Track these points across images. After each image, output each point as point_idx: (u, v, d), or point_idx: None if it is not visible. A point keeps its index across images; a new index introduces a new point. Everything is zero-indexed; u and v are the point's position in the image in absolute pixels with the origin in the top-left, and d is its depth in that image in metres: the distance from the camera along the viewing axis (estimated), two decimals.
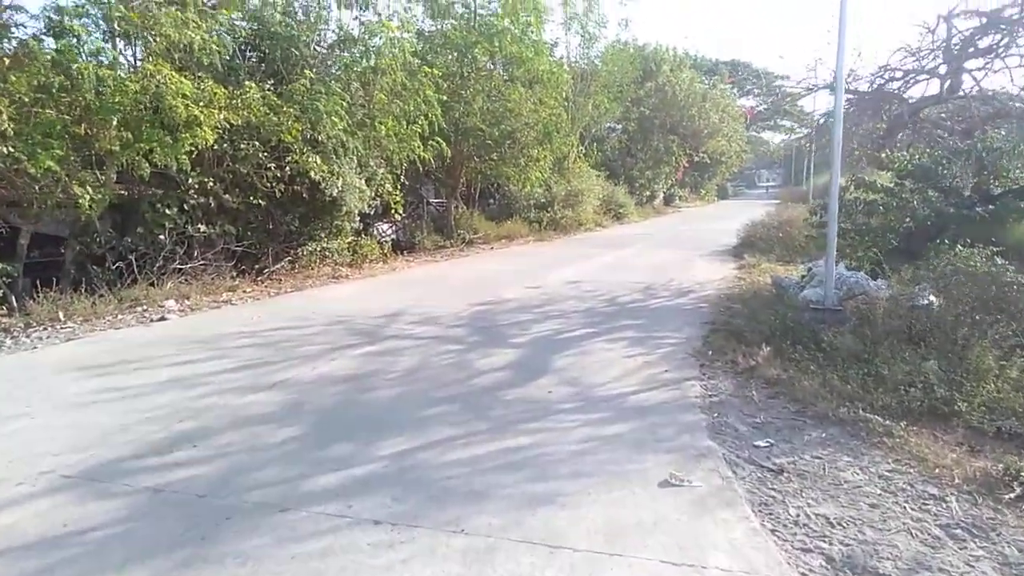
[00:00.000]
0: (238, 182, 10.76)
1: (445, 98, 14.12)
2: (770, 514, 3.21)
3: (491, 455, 3.81)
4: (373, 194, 12.67)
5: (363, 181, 12.10)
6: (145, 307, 8.41)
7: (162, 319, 7.85)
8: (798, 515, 3.20)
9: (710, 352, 6.09)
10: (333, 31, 13.22)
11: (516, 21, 16.79)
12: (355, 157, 11.92)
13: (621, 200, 26.08)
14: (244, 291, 9.76)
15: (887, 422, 4.18)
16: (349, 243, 12.72)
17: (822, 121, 15.38)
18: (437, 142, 13.80)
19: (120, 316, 7.98)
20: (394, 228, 17.81)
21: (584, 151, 23.84)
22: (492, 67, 17.07)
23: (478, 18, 16.68)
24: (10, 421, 4.36)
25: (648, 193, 32.74)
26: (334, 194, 11.37)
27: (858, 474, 3.65)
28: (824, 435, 4.18)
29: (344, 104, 11.46)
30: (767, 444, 4.05)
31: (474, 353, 6.13)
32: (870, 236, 9.03)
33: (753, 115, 48.70)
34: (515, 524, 3.03)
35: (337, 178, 11.34)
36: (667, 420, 4.39)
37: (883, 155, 9.56)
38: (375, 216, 15.29)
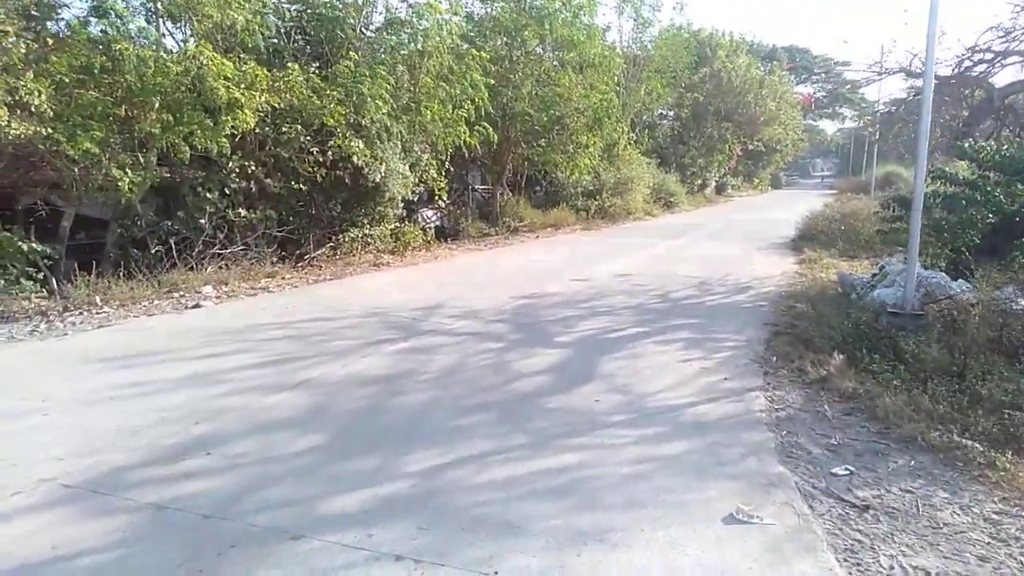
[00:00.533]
0: (280, 166, 10.56)
1: (492, 82, 13.68)
2: (858, 564, 2.71)
3: (531, 477, 3.39)
4: (417, 180, 12.35)
5: (407, 167, 11.78)
6: (182, 293, 8.24)
7: (197, 306, 7.65)
8: (892, 567, 2.70)
9: (774, 358, 5.55)
10: (380, 13, 12.92)
11: (568, 3, 16.19)
12: (399, 142, 11.60)
13: (672, 188, 25.30)
14: (283, 278, 9.54)
15: (988, 451, 3.63)
16: (392, 230, 12.43)
17: (891, 109, 14.51)
18: (484, 127, 13.40)
19: (156, 302, 7.81)
20: (438, 215, 17.51)
21: (635, 138, 23.12)
22: (542, 51, 16.51)
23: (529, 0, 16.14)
24: (24, 417, 4.12)
25: (700, 182, 31.80)
26: (377, 179, 11.08)
27: (959, 515, 3.12)
28: (913, 463, 3.64)
29: (389, 87, 11.13)
30: (847, 472, 3.54)
31: (515, 353, 5.71)
32: (948, 232, 8.27)
33: (811, 102, 46.94)
34: (557, 567, 2.61)
35: (380, 163, 11.04)
36: (730, 439, 3.91)
37: (966, 145, 8.77)
38: (419, 202, 15.01)
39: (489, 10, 16.13)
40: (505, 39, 15.66)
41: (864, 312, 6.43)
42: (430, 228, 16.40)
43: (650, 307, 7.71)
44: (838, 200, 26.62)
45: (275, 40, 11.40)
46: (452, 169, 15.08)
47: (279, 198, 10.69)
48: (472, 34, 15.49)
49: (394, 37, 12.17)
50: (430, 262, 11.63)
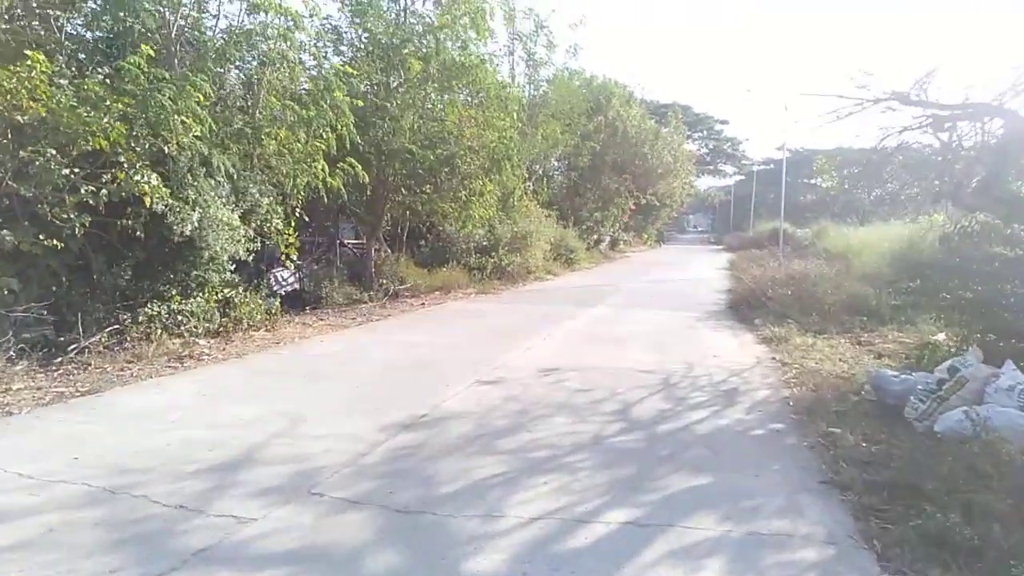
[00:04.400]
0: (29, 211, 6.90)
1: (361, 103, 10.54)
2: None
3: None
4: (253, 232, 8.92)
5: (236, 215, 8.35)
6: None
7: None
8: None
9: None
10: (214, 16, 9.60)
11: (454, 26, 13.34)
12: (225, 180, 8.22)
13: (572, 244, 22.90)
14: (5, 390, 5.79)
15: None
16: (217, 302, 8.84)
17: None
18: (350, 165, 10.19)
19: None
20: (297, 276, 14.04)
21: (532, 188, 20.60)
22: (427, 78, 13.54)
23: (409, 14, 13.25)
24: None
25: (596, 237, 29.78)
26: (187, 231, 7.60)
27: None
28: None
29: (206, 101, 7.79)
30: None
31: None
32: (1011, 310, 5.84)
33: (698, 158, 47.08)
34: None
35: (192, 209, 7.59)
36: None
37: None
38: (269, 260, 11.58)
39: (360, 32, 12.95)
40: (381, 62, 12.61)
41: (959, 445, 3.76)
42: (284, 294, 13.00)
43: (616, 444, 4.65)
44: (740, 257, 25.27)
45: (27, 25, 7.84)
46: (309, 219, 11.78)
47: (31, 260, 6.97)
48: (341, 59, 12.42)
49: (220, 36, 8.84)
50: (268, 350, 8.10)
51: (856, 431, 4.79)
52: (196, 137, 7.53)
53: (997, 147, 6.96)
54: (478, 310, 12.10)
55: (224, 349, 7.87)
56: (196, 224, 7.61)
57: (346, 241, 15.12)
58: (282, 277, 13.74)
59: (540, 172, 24.04)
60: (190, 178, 7.67)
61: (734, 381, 6.57)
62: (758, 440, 4.80)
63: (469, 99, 14.40)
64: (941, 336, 8.96)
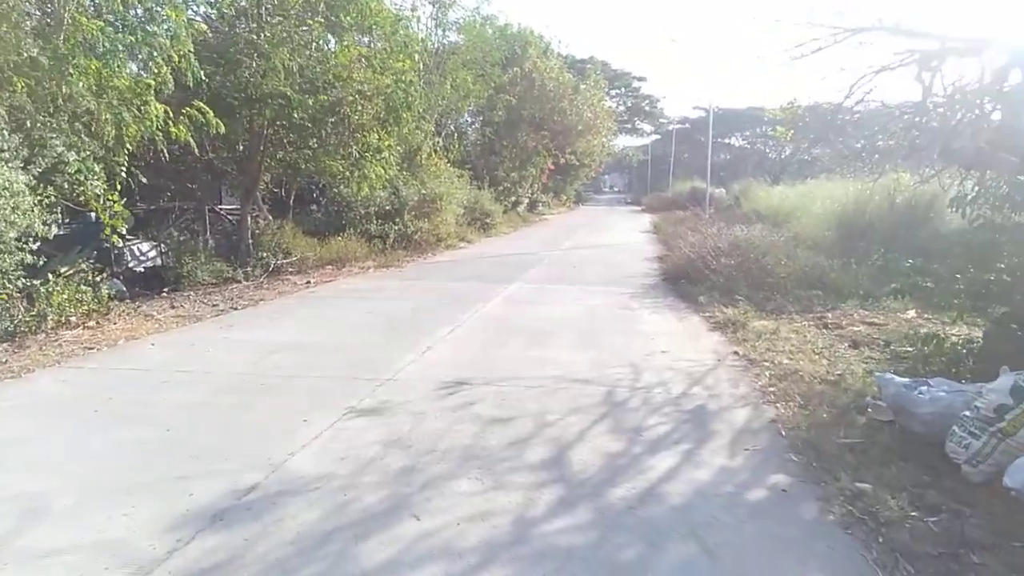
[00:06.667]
0: None
1: (207, 29, 8.30)
2: None
3: None
4: (55, 199, 6.69)
5: (24, 177, 6.12)
6: None
7: None
8: None
9: None
10: None
11: None
12: (4, 128, 5.96)
13: (488, 207, 21.01)
14: None
15: None
16: (19, 292, 6.60)
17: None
18: (199, 110, 7.99)
19: None
20: (159, 249, 11.74)
21: (442, 144, 18.56)
22: (310, 11, 11.24)
23: None
24: None
25: (513, 199, 27.99)
26: None
27: None
28: None
29: None
30: None
31: None
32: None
33: (615, 117, 45.75)
34: None
35: None
36: None
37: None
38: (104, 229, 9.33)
39: None
40: None
41: None
42: (144, 271, 10.80)
43: (550, 540, 2.89)
44: (663, 219, 24.16)
45: None
46: (171, 181, 9.56)
47: None
48: None
49: None
50: (70, 360, 5.91)
51: (893, 486, 3.29)
52: None
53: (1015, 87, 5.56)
54: (374, 290, 10.12)
55: (5, 362, 5.70)
56: None
57: (221, 207, 12.78)
58: (140, 251, 11.45)
59: (451, 128, 21.96)
60: None
61: (697, 393, 4.99)
62: (761, 513, 3.19)
63: (367, 42, 12.26)
64: (911, 313, 7.85)
